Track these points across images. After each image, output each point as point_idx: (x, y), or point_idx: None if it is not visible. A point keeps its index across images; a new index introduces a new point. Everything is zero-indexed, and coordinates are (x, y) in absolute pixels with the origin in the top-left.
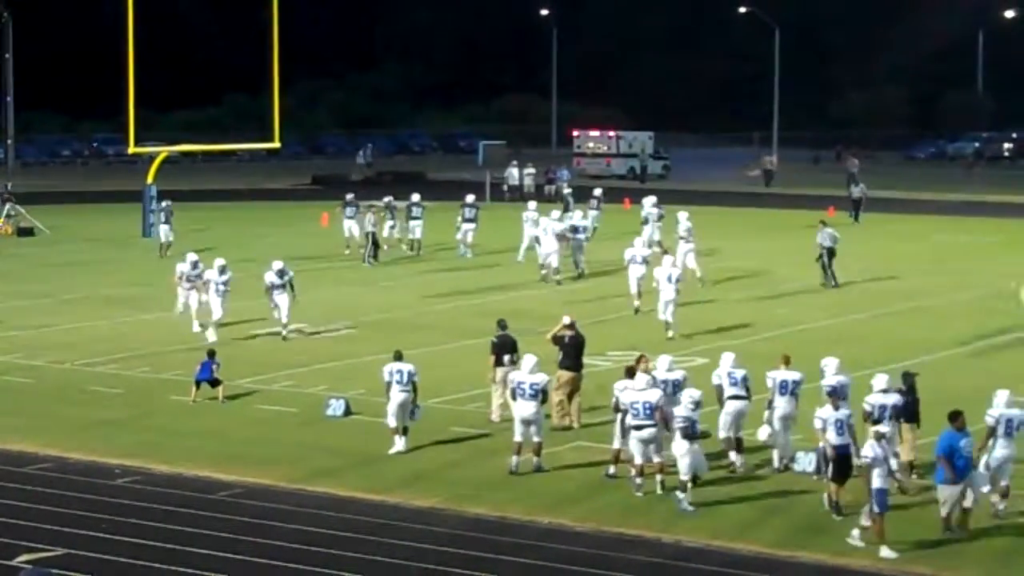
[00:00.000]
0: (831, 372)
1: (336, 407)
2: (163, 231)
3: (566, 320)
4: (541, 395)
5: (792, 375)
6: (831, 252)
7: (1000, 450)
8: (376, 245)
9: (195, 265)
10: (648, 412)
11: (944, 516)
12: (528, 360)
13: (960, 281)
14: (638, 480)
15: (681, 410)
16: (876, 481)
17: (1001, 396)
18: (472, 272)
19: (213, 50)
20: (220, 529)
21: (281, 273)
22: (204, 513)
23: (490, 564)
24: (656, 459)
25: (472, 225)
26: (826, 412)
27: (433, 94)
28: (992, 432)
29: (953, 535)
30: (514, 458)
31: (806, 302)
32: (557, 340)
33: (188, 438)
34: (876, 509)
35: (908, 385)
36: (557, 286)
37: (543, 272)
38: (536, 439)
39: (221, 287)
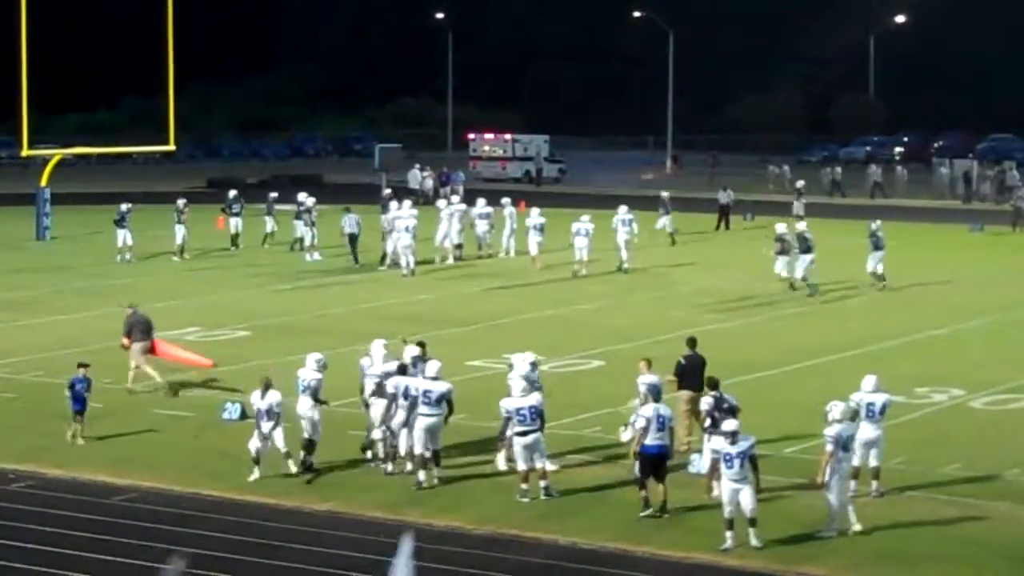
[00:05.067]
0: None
1: (232, 411)
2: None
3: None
4: (312, 392)
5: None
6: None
7: (865, 432)
8: (354, 246)
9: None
10: (533, 417)
11: None
12: (312, 356)
13: (853, 284)
14: (524, 486)
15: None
16: None
17: (868, 381)
18: (367, 276)
19: (107, 52)
20: (115, 534)
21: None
22: (99, 518)
23: (381, 567)
24: (539, 464)
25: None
26: (647, 410)
27: (329, 97)
28: (854, 415)
29: None
30: (302, 454)
31: (700, 304)
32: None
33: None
34: None
35: None
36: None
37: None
38: (315, 438)
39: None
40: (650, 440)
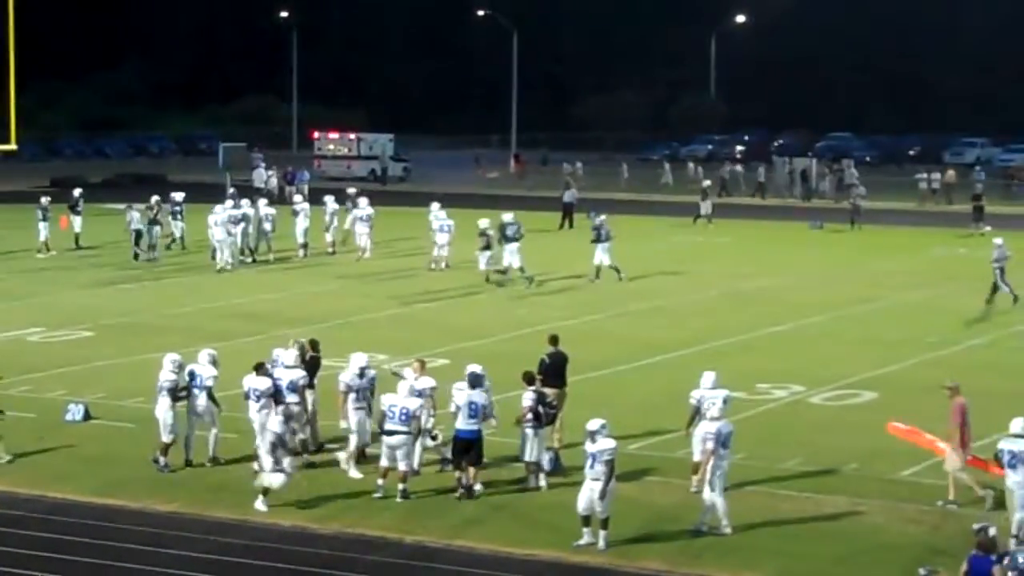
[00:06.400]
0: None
1: (75, 412)
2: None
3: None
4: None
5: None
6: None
7: (706, 428)
8: (137, 242)
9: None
10: (404, 418)
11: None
12: (168, 357)
13: (696, 281)
14: (380, 482)
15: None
16: None
17: (707, 377)
18: (212, 275)
19: None
20: None
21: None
22: None
23: (231, 568)
24: (402, 466)
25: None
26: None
27: (173, 95)
28: (696, 411)
29: None
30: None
31: (544, 302)
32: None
33: None
34: None
35: None
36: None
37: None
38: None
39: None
40: (461, 425)
